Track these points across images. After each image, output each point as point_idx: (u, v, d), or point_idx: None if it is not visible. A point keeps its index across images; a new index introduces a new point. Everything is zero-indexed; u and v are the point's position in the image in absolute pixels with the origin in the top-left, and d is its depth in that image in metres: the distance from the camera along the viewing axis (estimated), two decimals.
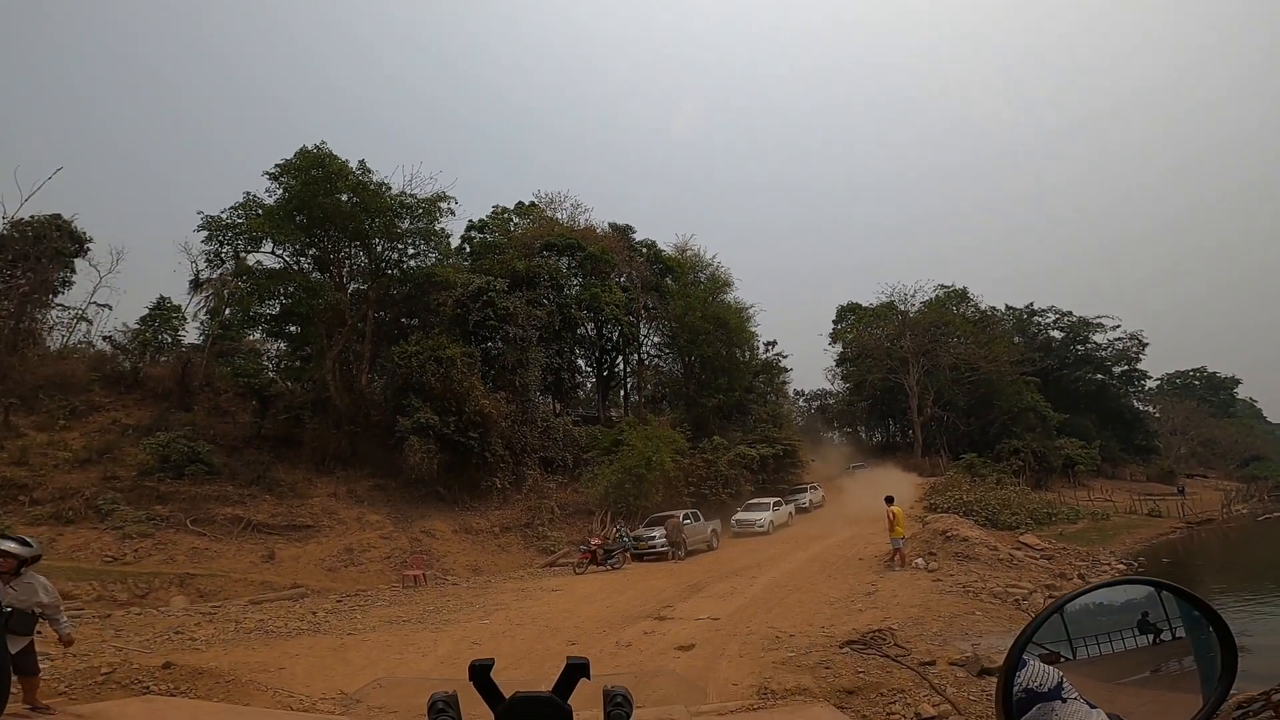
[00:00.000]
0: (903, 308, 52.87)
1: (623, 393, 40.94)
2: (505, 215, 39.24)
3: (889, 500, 17.46)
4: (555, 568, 21.69)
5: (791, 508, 30.73)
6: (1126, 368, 63.37)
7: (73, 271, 29.31)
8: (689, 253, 42.57)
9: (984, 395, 49.49)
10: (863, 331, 54.75)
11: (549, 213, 40.20)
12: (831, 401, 60.26)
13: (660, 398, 40.47)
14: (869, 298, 56.99)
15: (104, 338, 29.31)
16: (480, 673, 1.20)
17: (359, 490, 23.39)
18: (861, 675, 8.10)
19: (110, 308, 30.22)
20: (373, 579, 18.36)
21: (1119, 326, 61.66)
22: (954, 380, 49.09)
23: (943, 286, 55.77)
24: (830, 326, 58.68)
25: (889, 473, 43.68)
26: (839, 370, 57.42)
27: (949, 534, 20.41)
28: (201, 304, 28.45)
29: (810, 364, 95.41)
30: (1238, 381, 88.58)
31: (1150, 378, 68.36)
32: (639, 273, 37.67)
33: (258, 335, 30.49)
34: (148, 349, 28.29)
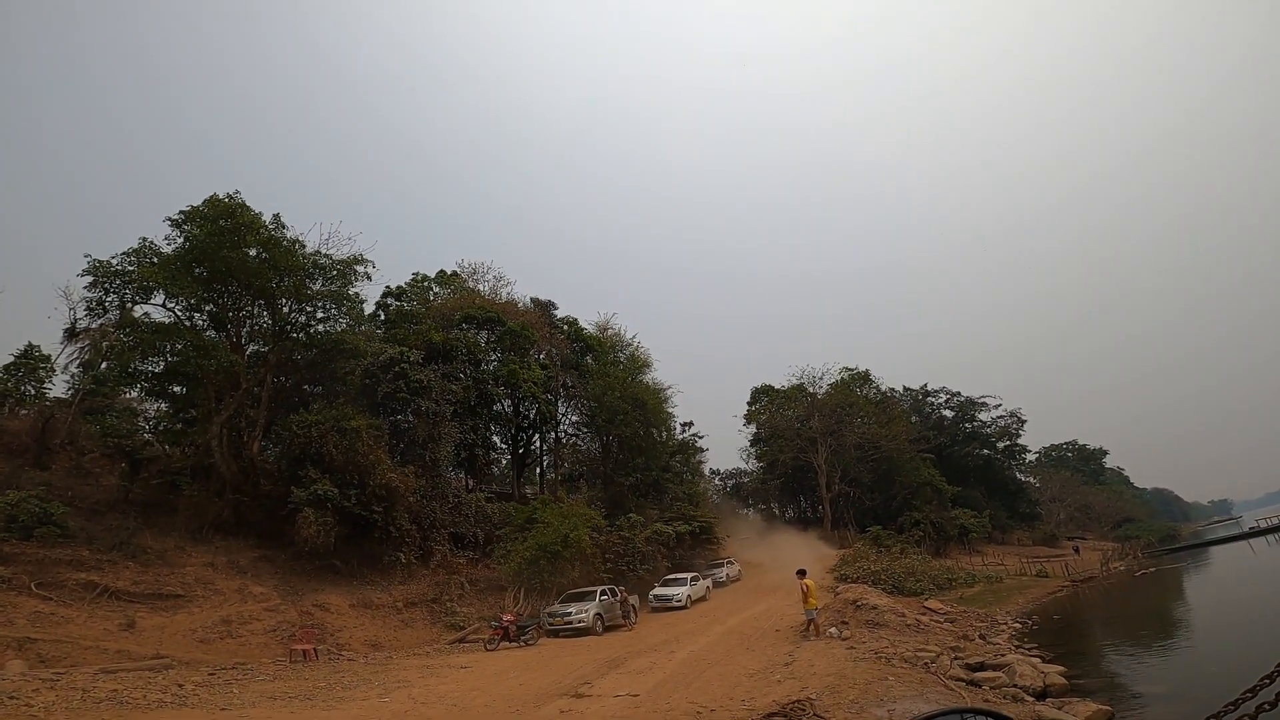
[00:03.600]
0: (811, 390, 55.91)
1: (539, 470, 40.14)
2: (425, 283, 38.71)
3: (801, 574, 17.87)
4: (465, 643, 20.17)
5: (709, 582, 30.57)
6: (1009, 443, 69.56)
7: None
8: (610, 331, 43.45)
9: (886, 471, 52.19)
10: (775, 413, 57.10)
11: (471, 283, 40.11)
12: (746, 480, 61.43)
13: (577, 475, 39.90)
14: (781, 380, 59.94)
15: None
16: None
17: (241, 561, 21.07)
18: None
19: None
20: (254, 652, 16.24)
21: (1000, 405, 68.36)
22: (859, 458, 51.62)
23: (847, 369, 59.67)
24: (745, 408, 60.77)
25: (804, 543, 44.54)
26: (753, 450, 59.13)
27: (859, 603, 20.84)
28: (75, 355, 25.41)
29: (725, 443, 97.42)
30: (1105, 452, 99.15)
31: (1029, 451, 75.89)
32: (559, 350, 37.92)
33: (135, 393, 27.54)
34: (7, 400, 25.02)
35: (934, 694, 11.01)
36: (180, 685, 11.20)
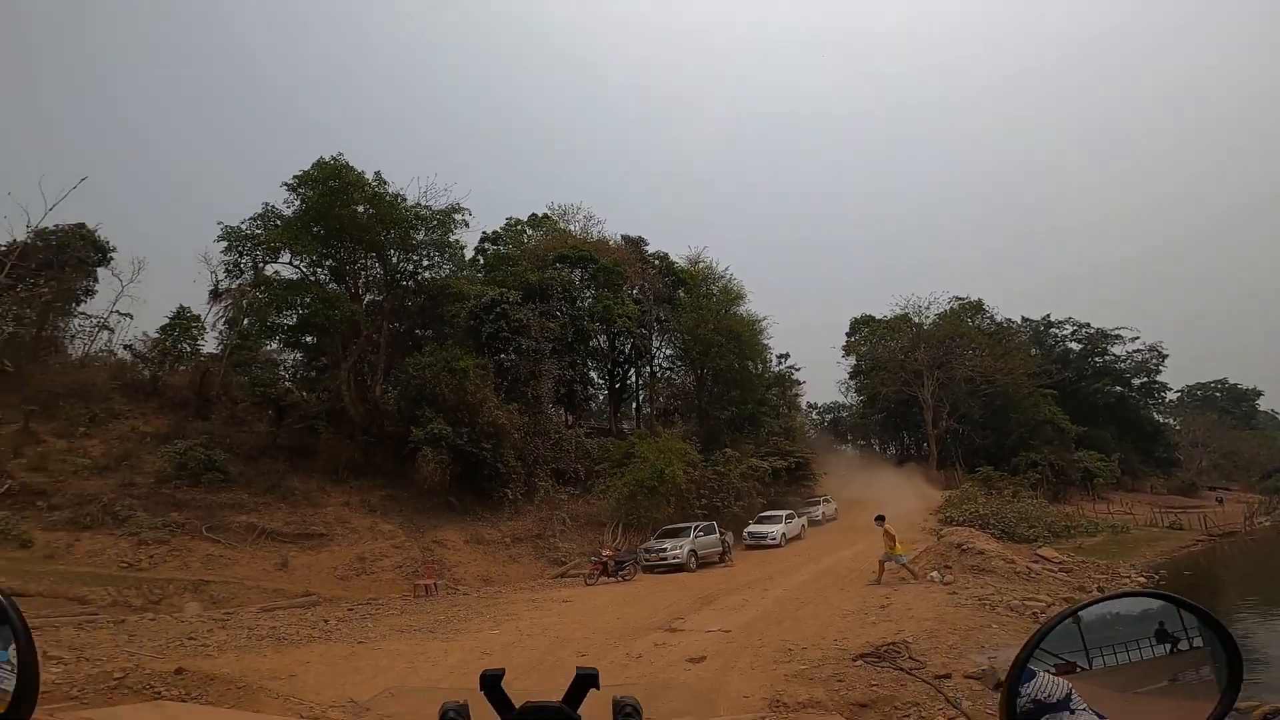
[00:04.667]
0: (917, 320, 52.52)
1: (635, 405, 40.97)
2: (519, 227, 39.61)
3: (880, 520, 17.43)
4: (566, 579, 21.63)
5: (804, 520, 30.51)
6: (1146, 380, 62.56)
7: (95, 280, 29.86)
8: (701, 265, 42.62)
9: (1000, 408, 48.95)
10: (876, 344, 54.42)
11: (562, 224, 40.52)
12: (844, 414, 59.85)
13: (672, 410, 40.45)
14: (883, 309, 56.72)
15: (125, 346, 29.84)
16: (491, 683, 1.21)
17: (372, 500, 23.50)
18: (875, 688, 7.97)
19: (131, 317, 30.72)
20: (384, 588, 18.39)
21: (1138, 338, 61.05)
22: (970, 393, 48.61)
23: (958, 298, 55.43)
24: (844, 339, 58.40)
25: (906, 482, 43.28)
26: (852, 383, 57.14)
27: (964, 546, 20.10)
28: (220, 314, 29.06)
29: (823, 377, 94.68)
30: (1260, 393, 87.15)
31: (1170, 390, 67.58)
32: (651, 285, 37.78)
33: (275, 345, 30.89)
34: (167, 358, 28.76)
35: None
36: (325, 621, 12.89)
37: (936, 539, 22.26)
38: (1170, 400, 69.51)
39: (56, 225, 28.21)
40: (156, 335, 29.51)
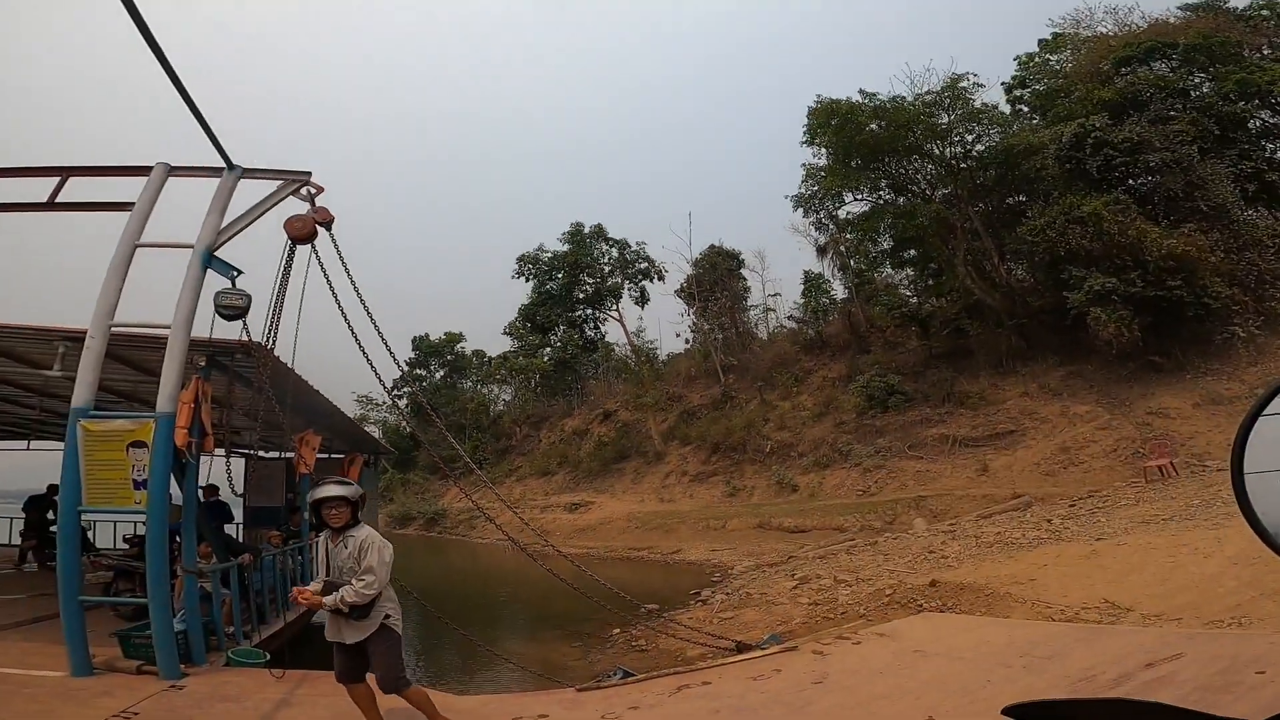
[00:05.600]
0: None
1: None
2: (1037, 60, 30.82)
3: None
4: None
5: None
6: None
7: (743, 280, 38.82)
8: None
9: None
10: None
11: (1086, 33, 29.42)
12: None
13: None
14: None
15: (789, 318, 37.46)
16: None
17: (1052, 383, 21.52)
18: None
19: (779, 294, 38.60)
20: (1101, 476, 16.34)
21: None
22: None
23: None
24: None
25: None
26: None
27: None
28: (832, 264, 33.23)
29: None
30: None
31: None
32: None
33: (888, 271, 32.82)
34: (818, 315, 34.47)
35: None
36: (1049, 521, 12.41)
37: None
38: None
39: (701, 252, 38.40)
40: (800, 302, 35.89)
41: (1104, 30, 31.03)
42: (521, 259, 47.42)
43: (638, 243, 46.05)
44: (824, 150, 28.78)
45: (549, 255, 46.90)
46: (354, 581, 3.99)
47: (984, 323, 25.54)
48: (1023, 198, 26.80)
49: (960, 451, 20.50)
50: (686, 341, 41.03)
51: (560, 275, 46.42)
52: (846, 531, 17.60)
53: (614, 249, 46.47)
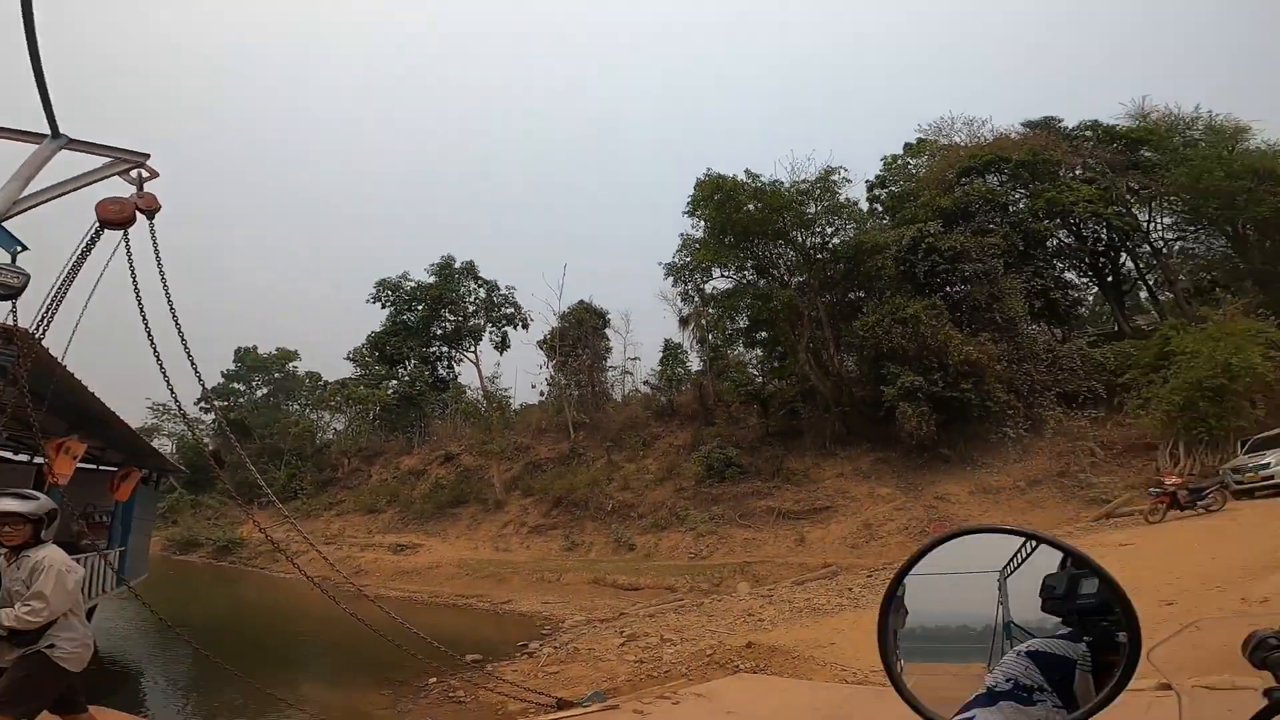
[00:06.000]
0: None
1: (1143, 295, 32.52)
2: (899, 162, 36.31)
3: None
4: (1114, 519, 17.84)
5: None
6: None
7: (606, 340, 39.69)
8: (1154, 117, 30.92)
9: None
10: None
11: (944, 141, 35.49)
12: None
13: (1207, 286, 29.69)
14: None
15: (644, 383, 38.91)
16: None
17: (864, 466, 24.25)
18: None
19: (638, 359, 39.97)
20: (894, 550, 18.58)
21: None
22: None
23: None
24: None
25: None
26: None
27: None
28: (692, 336, 35.16)
29: None
30: None
31: None
32: (1097, 159, 29.47)
33: (739, 349, 35.37)
34: (671, 383, 36.15)
35: None
36: (850, 589, 13.78)
37: None
38: None
39: (568, 307, 38.52)
40: (657, 369, 37.56)
41: (958, 140, 36.61)
42: (381, 284, 45.02)
43: (507, 286, 45.25)
44: (703, 223, 30.50)
45: (412, 284, 44.91)
46: (19, 606, 3.70)
47: (815, 407, 28.01)
48: (863, 293, 29.60)
49: (783, 523, 22.25)
50: (541, 394, 40.99)
51: (420, 307, 44.43)
52: (677, 592, 18.22)
53: (482, 289, 45.24)
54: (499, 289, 45.29)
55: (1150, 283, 31.57)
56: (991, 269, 25.35)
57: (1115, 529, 16.41)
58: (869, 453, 24.94)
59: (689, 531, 23.47)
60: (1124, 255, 30.71)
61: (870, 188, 35.00)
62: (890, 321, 24.43)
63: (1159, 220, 30.32)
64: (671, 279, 32.57)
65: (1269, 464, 15.97)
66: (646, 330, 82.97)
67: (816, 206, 28.73)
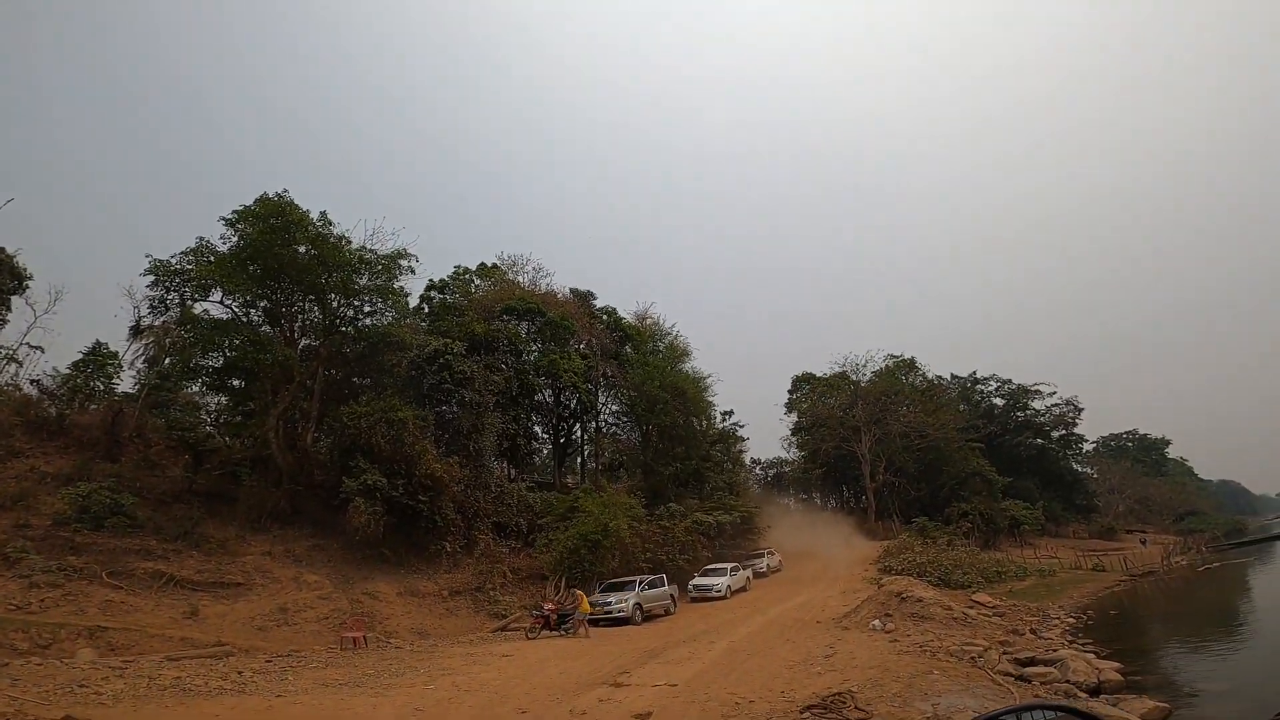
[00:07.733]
0: (855, 377, 54.76)
1: (580, 460, 40.59)
2: (466, 276, 39.24)
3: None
4: (507, 632, 20.66)
5: (749, 573, 30.49)
6: (1064, 432, 66.97)
7: (8, 309, 26.88)
8: (649, 321, 43.44)
9: (933, 461, 50.91)
10: (817, 401, 56.25)
11: (511, 275, 40.49)
12: (787, 469, 60.75)
13: (618, 465, 40.19)
14: (823, 368, 58.94)
15: (32, 381, 27.22)
16: None
17: (297, 550, 22.01)
18: None
19: (43, 350, 28.11)
20: (308, 640, 17.00)
21: (1055, 393, 65.59)
22: (904, 447, 50.45)
23: (892, 356, 58.21)
24: (786, 396, 60.01)
25: (846, 533, 44.04)
26: (794, 439, 58.36)
27: (904, 595, 20.41)
28: (140, 352, 27.08)
29: (766, 432, 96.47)
30: (1168, 442, 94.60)
31: (1086, 441, 72.54)
32: (599, 340, 38.10)
33: (197, 388, 28.91)
34: (77, 396, 26.57)
35: (981, 689, 10.79)
36: (240, 672, 11.81)
37: (877, 588, 22.54)
38: (1087, 450, 74.59)
39: None
40: (67, 371, 27.34)
41: (522, 280, 39.88)
42: None
43: None
44: (236, 237, 24.72)
45: None
46: None
47: (263, 477, 24.74)
48: (368, 381, 28.20)
49: (174, 591, 17.72)
50: None
51: None
52: None
53: None
54: None
55: (585, 452, 40.34)
56: (484, 403, 28.23)
57: (505, 640, 18.94)
58: (309, 537, 22.92)
59: (19, 578, 16.19)
60: (578, 425, 38.80)
61: (429, 287, 35.67)
62: (379, 419, 24.09)
63: (610, 406, 40.01)
64: (154, 278, 24.47)
65: (611, 602, 21.49)
66: (85, 324, 61.03)
67: (370, 280, 26.58)
